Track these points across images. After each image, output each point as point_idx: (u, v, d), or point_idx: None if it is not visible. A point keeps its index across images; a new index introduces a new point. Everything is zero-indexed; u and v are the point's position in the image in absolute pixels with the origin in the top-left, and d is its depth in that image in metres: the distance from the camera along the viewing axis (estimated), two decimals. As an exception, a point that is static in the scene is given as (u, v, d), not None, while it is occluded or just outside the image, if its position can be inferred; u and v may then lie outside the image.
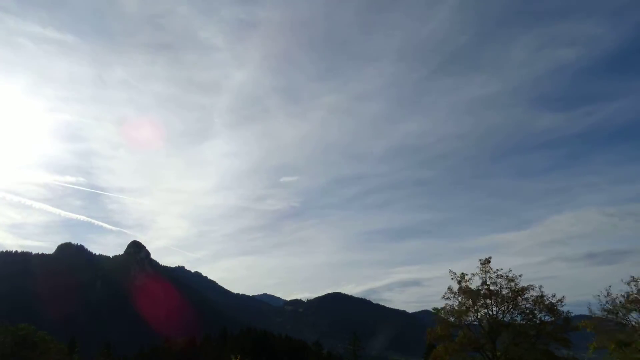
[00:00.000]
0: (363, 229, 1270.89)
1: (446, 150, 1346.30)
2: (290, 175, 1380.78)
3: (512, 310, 33.31)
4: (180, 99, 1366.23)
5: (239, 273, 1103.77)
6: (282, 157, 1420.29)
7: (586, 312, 30.80)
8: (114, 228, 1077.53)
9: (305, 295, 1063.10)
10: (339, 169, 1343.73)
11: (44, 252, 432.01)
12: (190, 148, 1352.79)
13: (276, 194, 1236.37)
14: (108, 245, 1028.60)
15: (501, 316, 33.65)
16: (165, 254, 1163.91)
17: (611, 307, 28.19)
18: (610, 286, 28.48)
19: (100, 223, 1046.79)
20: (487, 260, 34.45)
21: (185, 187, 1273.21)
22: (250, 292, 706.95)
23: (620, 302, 27.93)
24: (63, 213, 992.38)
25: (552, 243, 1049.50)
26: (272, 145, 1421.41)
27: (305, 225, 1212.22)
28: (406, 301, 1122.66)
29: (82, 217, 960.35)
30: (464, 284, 34.53)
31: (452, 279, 35.21)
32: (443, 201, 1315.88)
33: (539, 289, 32.35)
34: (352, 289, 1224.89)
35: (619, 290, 28.35)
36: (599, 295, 28.67)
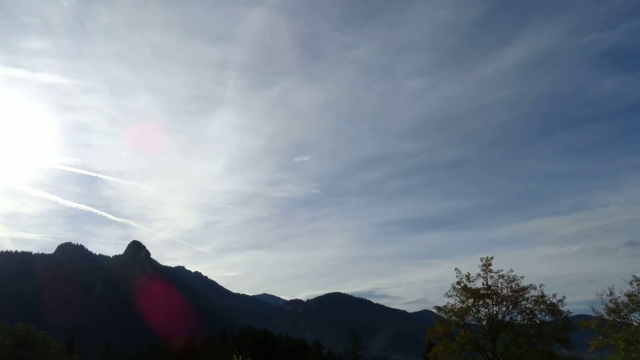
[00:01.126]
0: (381, 220, 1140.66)
1: (485, 123, 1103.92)
2: (306, 154, 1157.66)
3: (512, 310, 33.28)
4: (182, 52, 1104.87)
5: (243, 269, 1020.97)
6: (299, 131, 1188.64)
7: (580, 312, 30.77)
8: (114, 218, 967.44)
9: (312, 292, 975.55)
10: (361, 147, 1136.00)
11: (44, 252, 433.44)
12: (195, 121, 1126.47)
13: (289, 178, 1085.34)
14: (108, 237, 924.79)
15: (501, 316, 33.62)
16: (168, 248, 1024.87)
17: (614, 307, 28.08)
18: (613, 285, 28.39)
19: (102, 213, 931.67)
20: (489, 261, 34.43)
21: (189, 170, 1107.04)
22: (250, 292, 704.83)
23: (623, 302, 27.83)
24: (60, 201, 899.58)
25: (593, 230, 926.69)
26: (288, 116, 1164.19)
27: (319, 215, 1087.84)
28: (413, 299, 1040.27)
29: (82, 206, 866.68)
30: (468, 284, 34.47)
31: (456, 277, 35.20)
32: (473, 186, 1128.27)
33: (540, 287, 32.36)
34: (358, 285, 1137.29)
35: (625, 289, 28.14)
36: (601, 295, 28.58)
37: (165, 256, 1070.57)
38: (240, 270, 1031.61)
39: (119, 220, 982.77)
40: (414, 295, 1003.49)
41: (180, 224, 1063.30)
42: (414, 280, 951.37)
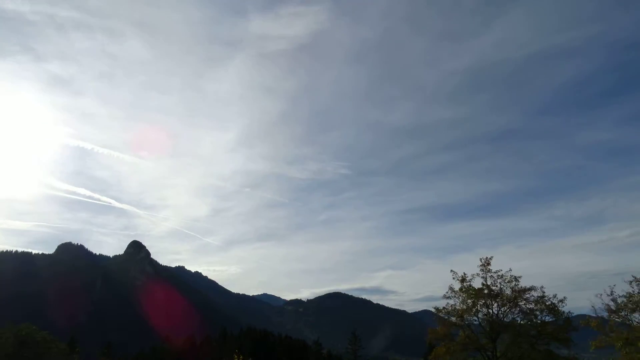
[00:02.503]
0: (406, 206, 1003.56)
1: (542, 79, 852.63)
2: (331, 122, 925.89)
3: (513, 310, 33.36)
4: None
5: (250, 264, 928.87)
6: (325, 91, 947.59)
7: (587, 311, 30.65)
8: (117, 204, 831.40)
9: (319, 289, 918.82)
10: (395, 113, 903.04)
11: (44, 252, 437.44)
12: (201, 73, 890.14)
13: (312, 153, 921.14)
14: (107, 226, 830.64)
15: (502, 316, 33.71)
16: (173, 240, 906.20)
17: (614, 308, 28.04)
18: (614, 285, 28.28)
19: (101, 197, 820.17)
20: (488, 261, 34.48)
21: (195, 143, 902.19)
22: (250, 292, 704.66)
23: (622, 302, 27.80)
24: (55, 183, 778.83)
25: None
26: (314, 69, 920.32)
27: (339, 201, 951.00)
28: (422, 296, 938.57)
29: (80, 190, 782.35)
30: (465, 284, 34.57)
31: (453, 278, 35.24)
32: (518, 163, 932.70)
33: (541, 289, 32.45)
34: (366, 281, 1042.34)
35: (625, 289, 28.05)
36: (601, 295, 28.52)
37: (168, 249, 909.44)
38: (247, 264, 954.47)
39: (121, 206, 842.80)
40: (423, 292, 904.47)
41: (185, 212, 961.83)
42: (427, 276, 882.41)
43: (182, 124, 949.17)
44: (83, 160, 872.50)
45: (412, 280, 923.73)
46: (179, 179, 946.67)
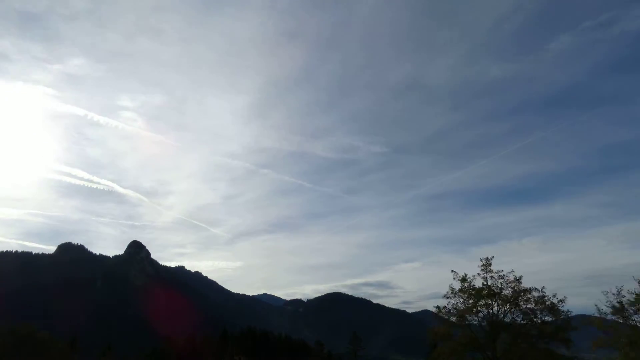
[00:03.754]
0: (430, 192, 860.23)
1: (626, 18, 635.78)
2: (362, 84, 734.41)
3: (513, 310, 33.31)
4: None
5: (255, 259, 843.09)
6: (354, 37, 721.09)
7: (587, 310, 30.41)
8: (118, 188, 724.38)
9: (324, 285, 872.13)
10: (437, 66, 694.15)
11: (44, 252, 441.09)
12: (208, 12, 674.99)
13: (337, 124, 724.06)
14: (107, 215, 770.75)
15: (502, 316, 33.65)
16: (176, 233, 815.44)
17: (619, 306, 27.73)
18: (622, 286, 27.94)
19: (97, 179, 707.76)
20: (489, 261, 34.42)
21: (201, 108, 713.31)
22: (250, 292, 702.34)
23: (628, 301, 27.49)
24: (47, 162, 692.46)
25: None
26: (343, 8, 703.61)
27: (360, 185, 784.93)
28: (428, 293, 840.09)
29: (75, 171, 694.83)
30: (466, 284, 34.51)
31: (454, 278, 35.17)
32: (566, 138, 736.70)
33: (542, 290, 32.38)
34: (374, 275, 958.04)
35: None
36: (607, 292, 28.22)
37: (172, 242, 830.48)
38: (253, 259, 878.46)
39: (124, 192, 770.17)
40: (431, 289, 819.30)
41: (191, 199, 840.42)
42: (440, 271, 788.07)
43: (184, 84, 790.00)
44: (70, 132, 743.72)
45: (424, 275, 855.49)
46: (184, 158, 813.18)
